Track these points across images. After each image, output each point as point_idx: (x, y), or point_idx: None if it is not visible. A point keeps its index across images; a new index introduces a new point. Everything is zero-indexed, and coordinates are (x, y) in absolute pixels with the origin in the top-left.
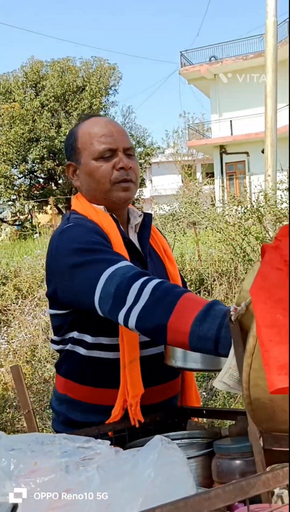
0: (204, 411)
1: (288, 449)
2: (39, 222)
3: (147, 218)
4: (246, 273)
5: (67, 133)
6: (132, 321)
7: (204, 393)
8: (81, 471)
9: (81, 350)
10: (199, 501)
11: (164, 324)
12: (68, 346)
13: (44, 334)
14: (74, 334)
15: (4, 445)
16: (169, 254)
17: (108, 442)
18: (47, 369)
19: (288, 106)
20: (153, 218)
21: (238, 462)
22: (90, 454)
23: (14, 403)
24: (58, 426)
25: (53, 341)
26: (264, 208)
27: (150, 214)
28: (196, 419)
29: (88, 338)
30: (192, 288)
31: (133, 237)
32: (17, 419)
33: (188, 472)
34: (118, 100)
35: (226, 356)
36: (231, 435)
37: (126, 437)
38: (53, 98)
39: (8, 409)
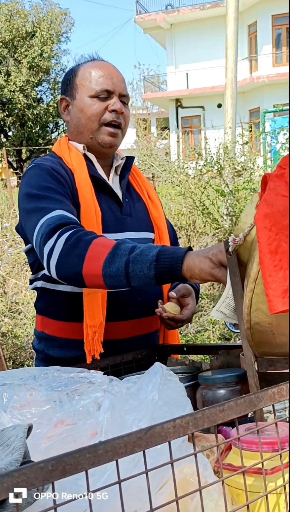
0: (185, 348)
1: (282, 371)
2: None
3: (129, 161)
4: (204, 226)
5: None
6: (52, 271)
7: None
8: (76, 400)
9: (51, 286)
10: (214, 412)
11: (79, 270)
12: (40, 283)
13: (0, 288)
14: (45, 271)
15: None
16: (153, 199)
17: (101, 372)
18: (5, 323)
19: (247, 59)
20: None
21: (222, 391)
22: (85, 383)
23: None
24: (39, 364)
25: (30, 281)
26: (224, 161)
27: (133, 157)
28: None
29: None
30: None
31: (113, 179)
32: None
33: (186, 396)
34: (70, 48)
35: (140, 287)
36: (212, 369)
37: (109, 373)
38: (0, 43)
39: None
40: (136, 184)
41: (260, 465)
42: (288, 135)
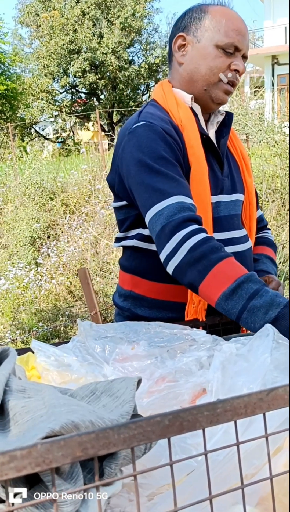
0: None
1: None
2: (81, 139)
3: (229, 118)
4: None
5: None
6: (169, 269)
7: None
8: (179, 358)
9: (147, 245)
10: None
11: (196, 285)
12: (134, 242)
13: (92, 248)
14: (140, 230)
15: (95, 333)
16: (247, 162)
17: (204, 331)
18: (97, 281)
19: None
20: None
21: None
22: (188, 341)
23: (66, 313)
24: (122, 321)
25: (117, 239)
26: None
27: (232, 114)
28: None
29: None
30: None
31: (212, 135)
32: (69, 327)
33: None
34: (163, 6)
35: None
36: None
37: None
38: (94, 5)
39: (61, 318)
40: (232, 145)
41: None
42: None
